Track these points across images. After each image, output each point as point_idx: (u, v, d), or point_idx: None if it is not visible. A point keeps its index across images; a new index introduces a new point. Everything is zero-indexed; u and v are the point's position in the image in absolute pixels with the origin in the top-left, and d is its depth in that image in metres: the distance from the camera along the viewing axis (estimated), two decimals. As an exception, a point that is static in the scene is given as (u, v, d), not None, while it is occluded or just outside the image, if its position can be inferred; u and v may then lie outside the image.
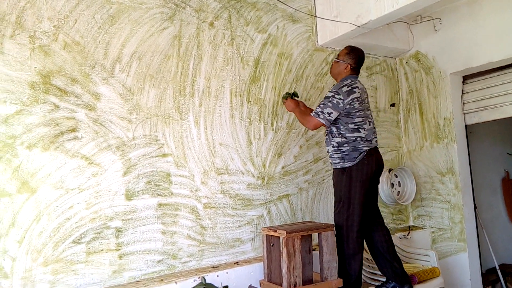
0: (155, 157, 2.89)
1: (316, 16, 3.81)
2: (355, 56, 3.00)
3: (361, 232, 2.93)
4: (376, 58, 4.35)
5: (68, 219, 2.54)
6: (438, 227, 4.17)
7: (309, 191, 3.63)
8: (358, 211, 2.89)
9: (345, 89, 2.85)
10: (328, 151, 3.05)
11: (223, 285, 2.77)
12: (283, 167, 3.51)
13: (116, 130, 2.75)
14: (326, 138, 3.06)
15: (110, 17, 2.79)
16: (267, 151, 3.44)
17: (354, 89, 2.87)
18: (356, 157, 2.89)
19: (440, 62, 4.13)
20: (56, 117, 2.55)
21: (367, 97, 3.05)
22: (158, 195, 2.87)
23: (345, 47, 3.08)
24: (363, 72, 4.20)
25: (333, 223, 2.98)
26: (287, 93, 3.22)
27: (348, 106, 2.84)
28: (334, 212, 3.03)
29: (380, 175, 3.08)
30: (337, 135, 2.94)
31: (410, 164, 4.40)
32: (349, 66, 2.99)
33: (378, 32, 3.97)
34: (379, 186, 4.13)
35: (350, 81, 2.93)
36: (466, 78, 4.16)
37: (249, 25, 3.43)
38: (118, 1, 2.82)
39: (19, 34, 2.49)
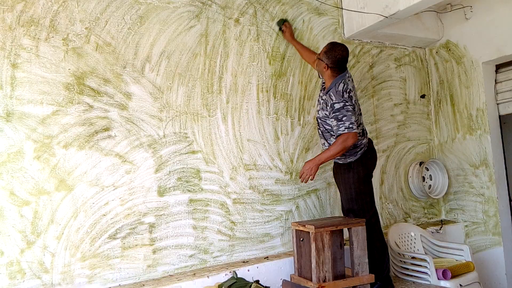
0: (185, 154, 2.94)
1: (342, 8, 3.76)
2: (331, 56, 2.86)
3: (380, 224, 3.03)
4: (405, 48, 4.26)
5: (104, 215, 2.62)
6: (472, 221, 4.07)
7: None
8: (372, 204, 3.00)
9: (346, 95, 2.81)
10: (323, 145, 3.07)
11: (254, 280, 2.80)
12: (311, 162, 3.50)
13: (148, 128, 2.81)
14: (320, 135, 3.07)
15: (139, 18, 2.84)
16: (295, 146, 3.44)
17: (350, 93, 2.84)
18: (357, 152, 2.94)
19: (472, 51, 4.01)
20: (90, 116, 2.63)
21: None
22: (189, 191, 2.92)
23: (326, 45, 2.96)
24: (391, 63, 4.13)
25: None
26: (281, 20, 3.40)
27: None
28: (346, 209, 3.03)
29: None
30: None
31: (442, 156, 4.30)
32: (326, 66, 2.88)
33: (406, 22, 3.89)
34: (409, 180, 4.10)
35: (343, 84, 2.84)
36: (499, 67, 4.02)
37: (274, 20, 3.42)
38: (146, 2, 2.86)
39: (53, 37, 2.57)
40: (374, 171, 3.14)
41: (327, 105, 2.87)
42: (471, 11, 3.96)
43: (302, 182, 2.92)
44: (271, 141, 3.32)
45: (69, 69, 2.59)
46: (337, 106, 2.78)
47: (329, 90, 2.86)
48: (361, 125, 2.98)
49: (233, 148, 3.14)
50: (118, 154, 2.70)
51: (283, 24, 3.40)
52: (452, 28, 4.16)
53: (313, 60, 3.25)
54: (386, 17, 3.39)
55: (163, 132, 2.87)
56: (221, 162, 3.07)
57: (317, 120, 3.08)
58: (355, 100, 2.89)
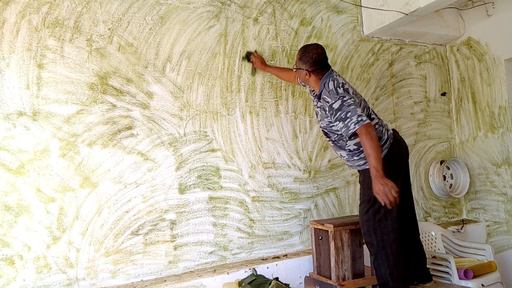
0: (205, 152, 2.97)
1: (361, 6, 3.74)
2: (307, 59, 2.57)
3: (400, 240, 2.54)
4: (425, 46, 4.20)
5: (127, 212, 2.68)
6: (494, 221, 4.00)
7: (356, 184, 3.58)
8: (395, 212, 2.50)
9: (340, 90, 2.49)
10: (341, 156, 2.74)
11: (274, 277, 2.82)
12: (329, 160, 3.50)
13: (169, 127, 2.86)
14: (334, 145, 2.73)
15: (160, 18, 2.88)
16: (313, 145, 3.44)
17: (344, 85, 2.53)
18: (382, 146, 2.53)
19: (494, 48, 3.94)
20: (113, 115, 2.69)
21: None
22: (209, 188, 2.96)
23: (298, 51, 2.67)
24: (411, 61, 4.08)
25: None
26: (248, 52, 3.18)
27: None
28: (360, 213, 2.62)
29: (408, 163, 2.72)
30: (349, 138, 2.54)
31: (463, 155, 4.24)
32: (307, 72, 2.59)
33: (426, 19, 3.84)
34: (430, 179, 4.05)
35: (332, 82, 2.54)
36: (522, 64, 3.95)
37: (293, 19, 3.43)
38: (167, 2, 2.91)
39: (77, 38, 2.64)
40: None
41: (325, 111, 2.55)
42: (493, 8, 3.88)
43: (391, 206, 2.28)
44: (289, 140, 3.33)
45: (93, 69, 2.65)
46: (335, 106, 2.44)
47: (320, 94, 2.58)
48: (373, 116, 2.63)
49: (252, 146, 3.16)
50: (140, 152, 2.75)
51: (251, 55, 3.18)
52: (474, 25, 4.09)
53: (294, 76, 2.97)
54: (406, 14, 3.36)
55: (184, 131, 2.91)
56: (240, 160, 3.10)
57: (324, 132, 2.75)
58: (353, 92, 2.55)
